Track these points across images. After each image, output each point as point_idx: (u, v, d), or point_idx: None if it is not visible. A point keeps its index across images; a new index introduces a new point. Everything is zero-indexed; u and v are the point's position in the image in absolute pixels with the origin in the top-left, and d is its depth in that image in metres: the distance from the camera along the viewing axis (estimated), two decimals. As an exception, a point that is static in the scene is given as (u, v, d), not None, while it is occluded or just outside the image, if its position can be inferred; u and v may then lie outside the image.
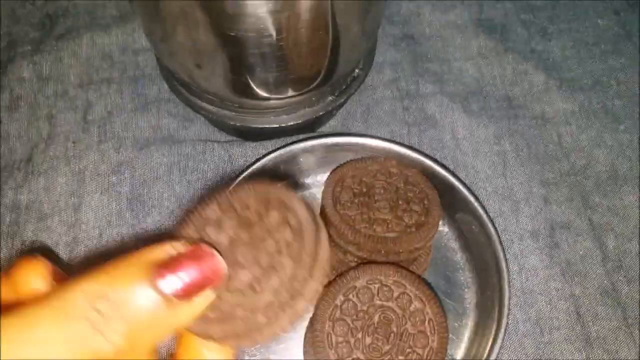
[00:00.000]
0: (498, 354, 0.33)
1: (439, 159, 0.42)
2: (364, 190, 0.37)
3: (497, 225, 0.37)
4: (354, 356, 0.31)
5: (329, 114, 0.43)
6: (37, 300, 0.17)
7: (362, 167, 0.39)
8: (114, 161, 0.41)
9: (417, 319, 0.32)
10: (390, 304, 0.33)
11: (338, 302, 0.32)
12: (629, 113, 0.44)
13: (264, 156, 0.38)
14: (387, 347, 0.31)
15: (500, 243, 0.35)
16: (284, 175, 0.41)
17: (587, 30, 0.48)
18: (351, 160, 0.40)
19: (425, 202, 0.36)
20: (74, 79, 0.44)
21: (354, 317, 0.32)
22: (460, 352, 0.37)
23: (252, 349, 0.36)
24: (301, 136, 0.40)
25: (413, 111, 0.44)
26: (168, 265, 0.18)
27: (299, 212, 0.21)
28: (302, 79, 0.38)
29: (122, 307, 0.17)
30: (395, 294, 0.33)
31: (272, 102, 0.39)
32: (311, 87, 0.39)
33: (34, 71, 0.44)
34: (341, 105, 0.42)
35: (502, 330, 0.34)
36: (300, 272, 0.20)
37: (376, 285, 0.33)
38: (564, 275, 0.38)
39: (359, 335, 0.32)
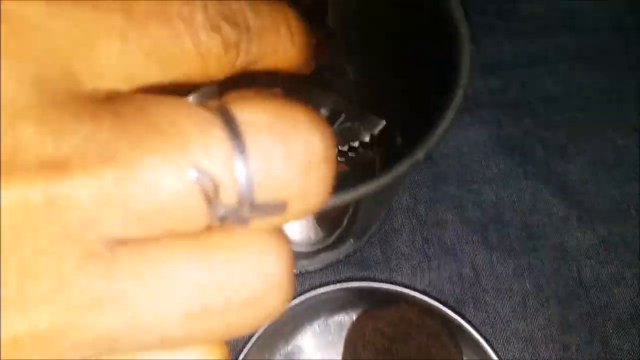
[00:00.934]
0: None
1: (458, 296, 0.42)
2: (386, 346, 0.37)
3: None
4: None
5: (354, 256, 0.43)
6: None
7: (383, 317, 0.39)
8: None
9: None
10: None
11: None
12: (649, 244, 0.44)
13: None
14: None
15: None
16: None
17: (607, 150, 0.47)
18: (371, 309, 0.40)
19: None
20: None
21: None
22: None
23: None
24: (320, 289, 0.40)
25: (433, 242, 0.44)
26: None
27: None
28: (323, 236, 0.38)
29: None
30: None
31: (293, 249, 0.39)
32: (332, 238, 0.38)
33: None
34: (361, 247, 0.42)
35: None
36: None
37: None
38: None
39: None
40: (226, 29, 0.12)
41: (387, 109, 0.42)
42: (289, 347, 0.41)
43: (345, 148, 0.41)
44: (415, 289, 0.40)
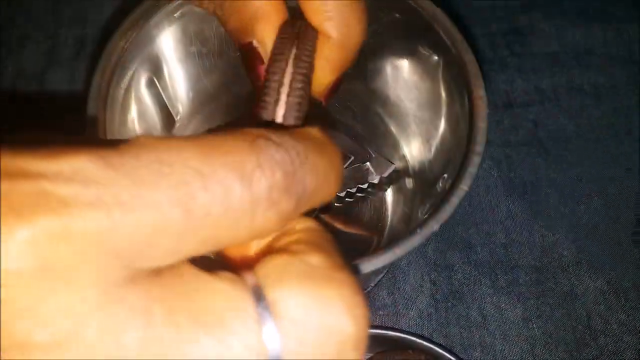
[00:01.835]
0: None
1: (465, 341, 0.42)
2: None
3: None
4: None
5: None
6: None
7: (390, 364, 0.38)
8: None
9: None
10: None
11: None
12: (659, 290, 0.44)
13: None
14: None
15: None
16: None
17: (619, 192, 0.47)
18: (377, 355, 0.39)
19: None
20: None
21: None
22: None
23: None
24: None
25: (440, 285, 0.43)
26: None
27: None
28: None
29: None
30: None
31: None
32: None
33: None
34: (368, 292, 0.41)
35: None
36: None
37: None
38: None
39: None
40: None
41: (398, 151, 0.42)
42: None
43: (354, 190, 0.41)
44: (421, 336, 0.40)
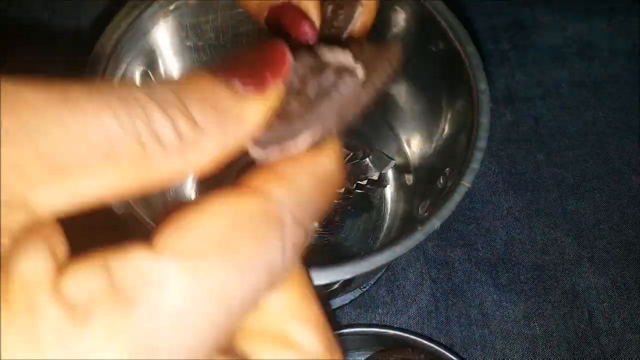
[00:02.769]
0: None
1: (466, 339, 0.41)
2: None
3: None
4: None
5: (361, 296, 0.41)
6: None
7: (390, 363, 0.38)
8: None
9: None
10: None
11: None
12: (662, 288, 0.43)
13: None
14: None
15: None
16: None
17: (621, 189, 0.46)
18: (377, 354, 0.39)
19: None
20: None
21: None
22: None
23: None
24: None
25: (440, 282, 0.43)
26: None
27: None
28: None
29: None
30: None
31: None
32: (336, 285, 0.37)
33: None
34: (367, 290, 0.41)
35: None
36: None
37: None
38: None
39: None
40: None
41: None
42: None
43: (354, 186, 0.40)
44: (421, 334, 0.39)
